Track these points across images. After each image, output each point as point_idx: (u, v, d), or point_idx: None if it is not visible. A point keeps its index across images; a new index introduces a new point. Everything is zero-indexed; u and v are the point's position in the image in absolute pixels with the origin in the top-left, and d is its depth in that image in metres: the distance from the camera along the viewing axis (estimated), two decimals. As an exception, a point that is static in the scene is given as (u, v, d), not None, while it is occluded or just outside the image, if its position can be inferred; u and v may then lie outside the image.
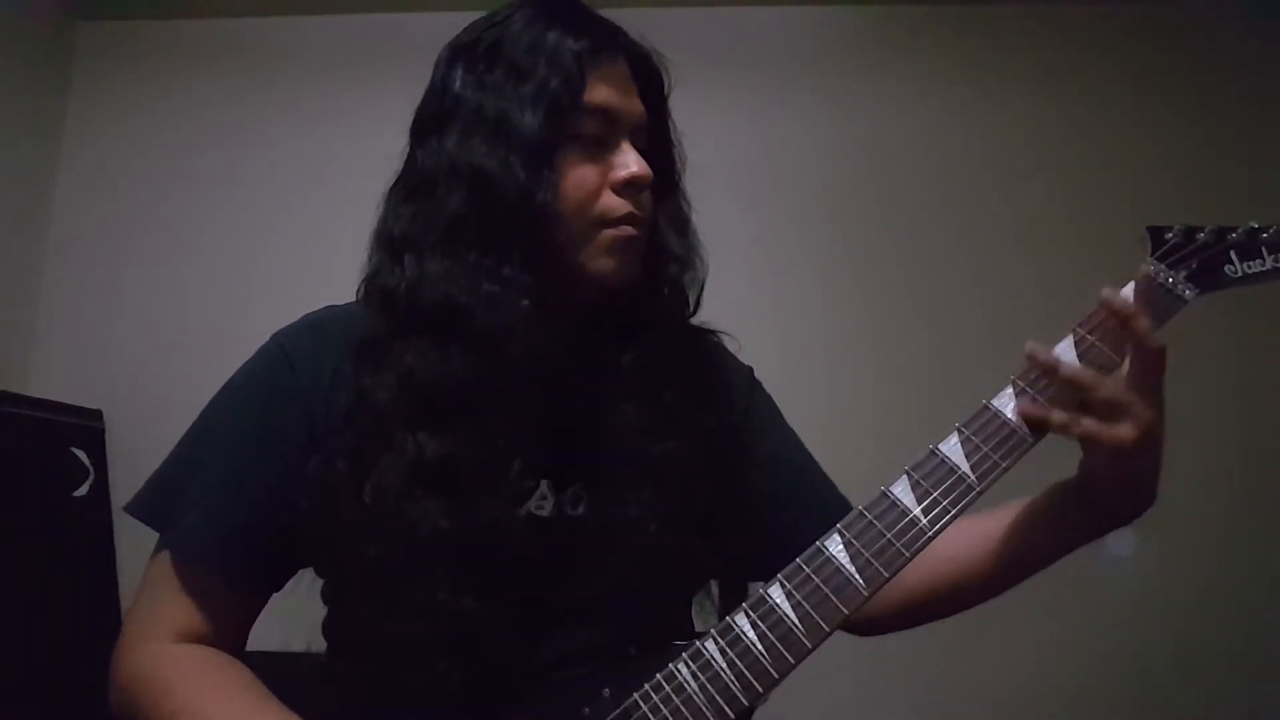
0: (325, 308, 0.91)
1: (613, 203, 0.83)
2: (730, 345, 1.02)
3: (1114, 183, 2.34)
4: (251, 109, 2.54)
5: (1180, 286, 0.82)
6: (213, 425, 0.87)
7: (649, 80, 0.89)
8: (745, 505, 0.91)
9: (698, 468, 0.85)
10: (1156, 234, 0.86)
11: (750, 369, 1.03)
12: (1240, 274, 0.84)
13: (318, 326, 0.88)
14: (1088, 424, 0.75)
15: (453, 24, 0.91)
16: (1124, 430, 0.75)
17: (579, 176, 0.82)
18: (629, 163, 0.83)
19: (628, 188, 0.83)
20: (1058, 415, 0.76)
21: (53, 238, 2.52)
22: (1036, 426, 0.77)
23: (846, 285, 2.40)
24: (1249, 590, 2.15)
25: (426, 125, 0.87)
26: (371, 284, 0.85)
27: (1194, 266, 0.83)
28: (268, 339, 0.88)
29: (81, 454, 2.23)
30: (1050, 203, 2.36)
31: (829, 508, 0.93)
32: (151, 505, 0.86)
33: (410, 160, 0.88)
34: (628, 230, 0.83)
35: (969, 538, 0.90)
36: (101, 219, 2.52)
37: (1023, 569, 0.89)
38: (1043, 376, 0.79)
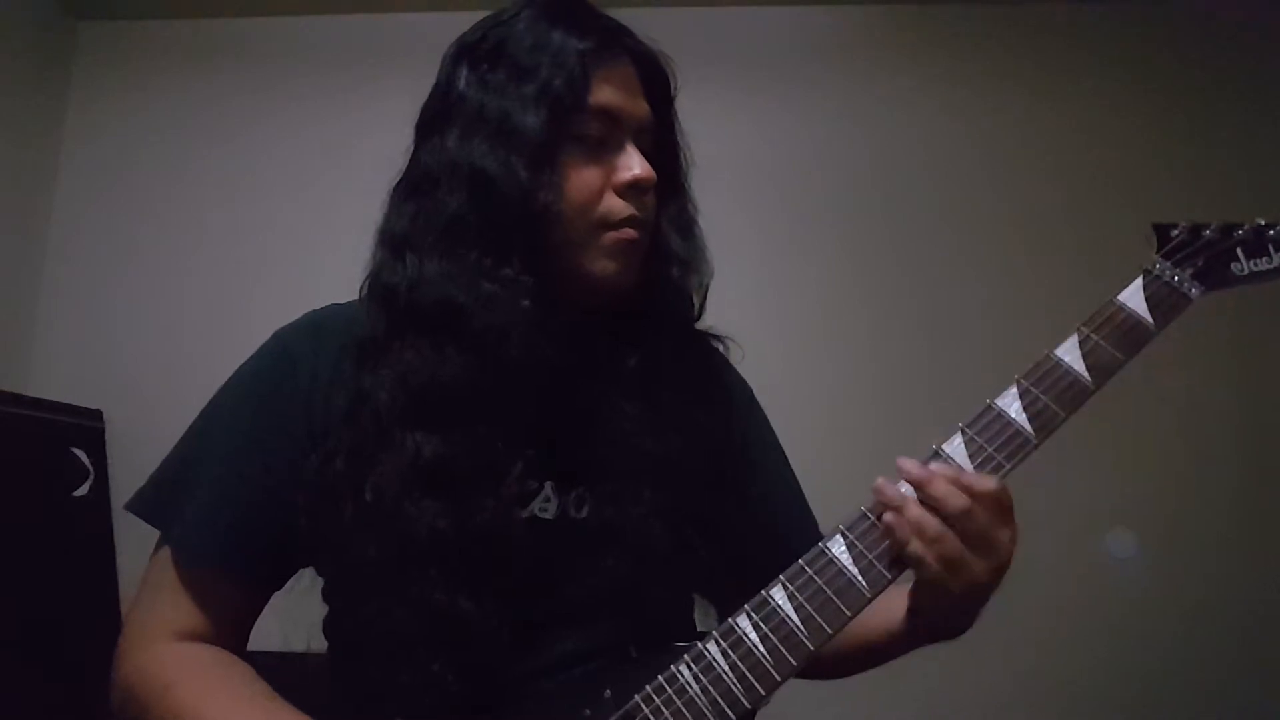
0: (327, 306, 0.91)
1: (615, 205, 0.82)
2: (733, 350, 1.01)
3: (1115, 182, 2.34)
4: (251, 109, 2.55)
5: (1186, 284, 0.82)
6: (213, 423, 0.86)
7: (655, 81, 0.88)
8: (745, 509, 0.91)
9: (700, 470, 0.85)
10: (1162, 231, 0.85)
11: (749, 386, 1.04)
12: (1246, 272, 0.83)
13: (319, 325, 0.88)
14: (934, 567, 0.74)
15: (453, 23, 0.91)
16: (960, 578, 0.74)
17: (581, 178, 0.82)
18: (632, 165, 0.82)
19: (630, 190, 0.82)
20: (914, 547, 0.74)
21: (53, 238, 2.53)
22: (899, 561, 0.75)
23: (847, 284, 2.40)
24: (1249, 591, 2.15)
25: (430, 123, 0.86)
26: (374, 282, 0.85)
27: (1200, 264, 0.83)
28: (269, 337, 0.88)
29: (81, 454, 2.23)
30: (1051, 202, 2.36)
31: (803, 534, 0.94)
32: (152, 503, 0.85)
33: (414, 158, 0.87)
34: (629, 233, 0.83)
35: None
36: (101, 219, 2.52)
37: (879, 657, 0.93)
38: (1046, 378, 0.79)
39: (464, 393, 0.77)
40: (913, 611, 0.84)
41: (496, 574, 0.76)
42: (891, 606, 0.86)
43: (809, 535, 0.81)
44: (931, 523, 0.73)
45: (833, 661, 0.94)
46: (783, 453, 1.03)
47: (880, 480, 0.77)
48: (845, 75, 2.49)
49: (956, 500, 0.73)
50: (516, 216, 0.78)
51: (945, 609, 0.80)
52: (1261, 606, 2.14)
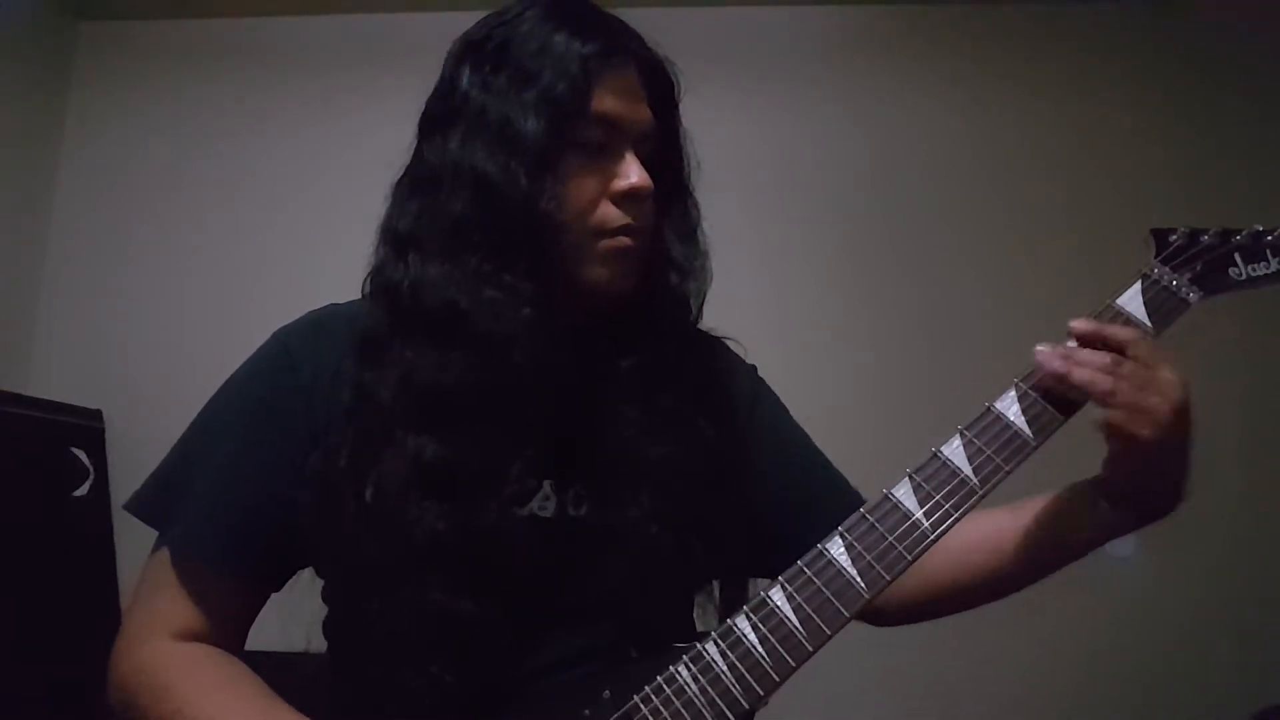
0: (327, 306, 0.91)
1: (610, 213, 0.82)
2: (735, 349, 1.01)
3: (1115, 183, 2.34)
4: (251, 109, 2.54)
5: (1184, 289, 0.82)
6: (213, 423, 0.86)
7: (658, 87, 0.87)
8: (750, 507, 0.91)
9: (698, 471, 0.84)
10: (1161, 236, 0.85)
11: (754, 367, 1.03)
12: (1244, 276, 0.83)
13: (319, 324, 0.88)
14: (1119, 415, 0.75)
15: (454, 23, 0.91)
16: (1153, 403, 0.74)
17: (579, 185, 0.81)
18: (630, 174, 0.82)
19: (626, 199, 0.82)
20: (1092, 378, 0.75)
21: (53, 238, 2.52)
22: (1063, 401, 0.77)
23: (847, 284, 2.40)
24: (1250, 591, 2.15)
25: (434, 121, 0.86)
26: (376, 278, 0.85)
27: (1198, 269, 0.83)
28: (269, 337, 0.88)
29: (81, 454, 2.23)
30: (1052, 203, 2.36)
31: (841, 500, 0.93)
32: (151, 502, 0.85)
33: (417, 155, 0.87)
34: (624, 241, 0.83)
35: (993, 531, 0.89)
36: (101, 219, 2.52)
37: (1047, 565, 0.88)
38: (1046, 378, 0.78)
39: (466, 395, 0.77)
40: (1111, 492, 0.83)
41: (497, 574, 0.76)
42: (1069, 517, 0.86)
43: (846, 508, 0.80)
44: (1106, 375, 0.75)
45: (987, 584, 0.91)
46: (803, 433, 1.02)
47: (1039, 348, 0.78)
48: (845, 75, 2.49)
49: (1123, 332, 0.77)
50: (517, 222, 0.78)
51: (1143, 471, 0.79)
52: (1261, 606, 2.13)
